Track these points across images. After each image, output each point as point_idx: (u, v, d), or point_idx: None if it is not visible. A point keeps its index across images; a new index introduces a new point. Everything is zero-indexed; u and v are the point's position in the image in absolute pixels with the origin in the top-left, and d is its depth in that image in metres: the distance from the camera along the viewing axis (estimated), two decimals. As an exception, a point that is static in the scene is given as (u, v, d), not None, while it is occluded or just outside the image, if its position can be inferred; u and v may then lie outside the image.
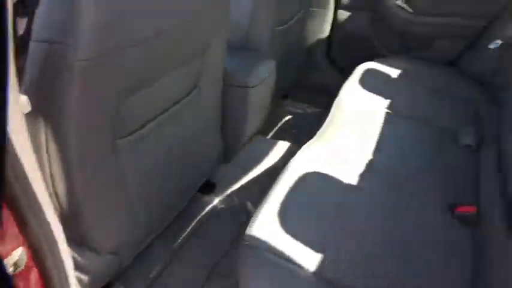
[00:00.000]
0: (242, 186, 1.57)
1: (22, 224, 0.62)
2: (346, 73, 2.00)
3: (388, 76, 1.71)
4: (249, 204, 1.51)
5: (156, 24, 0.84)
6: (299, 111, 2.20)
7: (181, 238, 1.36)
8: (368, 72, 1.71)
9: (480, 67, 1.74)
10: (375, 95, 1.54)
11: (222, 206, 1.51)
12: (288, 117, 2.14)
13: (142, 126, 0.96)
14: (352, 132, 1.32)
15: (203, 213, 1.48)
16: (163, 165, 1.10)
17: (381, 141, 1.28)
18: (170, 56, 0.94)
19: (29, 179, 0.56)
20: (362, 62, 1.80)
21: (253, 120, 1.45)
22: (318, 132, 1.31)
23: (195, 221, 1.44)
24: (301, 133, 1.95)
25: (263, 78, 1.36)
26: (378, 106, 1.48)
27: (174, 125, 1.07)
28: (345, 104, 1.48)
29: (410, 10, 1.88)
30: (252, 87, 1.31)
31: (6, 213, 0.62)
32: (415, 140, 1.33)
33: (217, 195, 1.53)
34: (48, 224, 0.63)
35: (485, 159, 1.28)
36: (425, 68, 1.83)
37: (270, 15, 1.46)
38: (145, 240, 1.11)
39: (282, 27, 1.64)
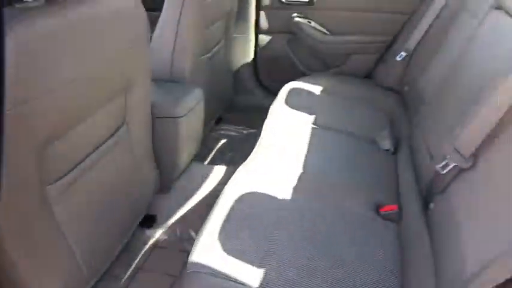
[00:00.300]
0: (182, 215, 1.58)
1: None
2: (273, 93, 2.11)
3: (311, 93, 1.83)
4: (192, 232, 1.52)
5: (74, 70, 0.86)
6: (233, 133, 2.26)
7: (127, 274, 1.34)
8: (292, 91, 1.82)
9: (391, 77, 1.91)
10: (300, 112, 1.64)
11: (165, 237, 1.51)
12: (223, 140, 2.19)
13: (72, 169, 0.95)
14: (282, 149, 1.39)
15: (146, 247, 1.46)
16: (99, 205, 1.09)
17: (309, 154, 1.36)
18: (92, 98, 0.95)
19: None
20: (287, 82, 1.91)
21: (187, 148, 1.47)
22: (251, 154, 1.37)
23: (140, 255, 1.42)
24: (237, 155, 2.01)
25: (191, 107, 1.40)
26: (304, 122, 1.58)
27: (105, 164, 1.08)
28: (273, 124, 1.56)
29: (325, 31, 2.04)
30: (181, 117, 1.35)
31: None
32: (339, 150, 1.44)
33: (158, 227, 1.53)
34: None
35: (401, 161, 1.42)
36: (343, 82, 1.98)
37: (193, 45, 1.52)
38: (90, 281, 1.09)
39: (206, 56, 1.71)
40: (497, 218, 0.79)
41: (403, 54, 1.83)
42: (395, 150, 1.49)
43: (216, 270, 0.90)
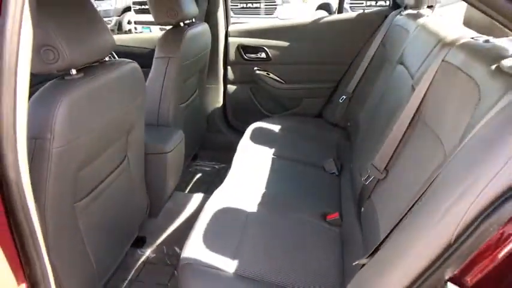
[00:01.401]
0: (168, 236, 1.88)
1: (25, 262, 0.87)
2: (240, 132, 2.48)
3: (271, 131, 2.22)
4: (177, 250, 1.82)
5: (98, 119, 1.20)
6: (207, 168, 2.60)
7: (124, 284, 1.61)
8: (256, 130, 2.19)
9: (336, 116, 2.34)
10: (263, 147, 2.01)
11: (154, 255, 1.79)
12: (199, 174, 2.53)
13: (92, 191, 1.27)
14: (248, 177, 1.74)
15: (138, 263, 1.74)
16: (107, 222, 1.39)
17: (270, 179, 1.72)
18: (108, 138, 1.29)
19: (34, 222, 0.83)
20: (251, 123, 2.29)
21: (172, 179, 1.80)
22: (224, 182, 1.71)
23: (133, 270, 1.70)
24: (212, 186, 2.34)
25: (175, 145, 1.75)
26: (266, 154, 1.95)
27: (113, 187, 1.39)
28: (241, 157, 1.91)
29: (281, 80, 2.47)
30: (169, 152, 1.69)
31: (12, 250, 0.85)
32: (294, 174, 1.80)
33: (148, 247, 1.81)
34: (44, 262, 0.89)
35: (343, 180, 1.80)
36: (298, 121, 2.38)
37: (174, 96, 1.89)
38: (100, 282, 1.37)
39: (184, 104, 2.08)
40: (402, 210, 1.16)
41: (344, 96, 2.27)
42: (340, 173, 1.87)
43: (203, 261, 1.21)
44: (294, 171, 1.83)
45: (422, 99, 1.25)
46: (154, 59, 1.84)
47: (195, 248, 1.26)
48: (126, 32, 9.21)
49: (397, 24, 1.97)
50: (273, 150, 1.99)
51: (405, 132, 1.30)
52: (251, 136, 2.11)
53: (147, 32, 6.80)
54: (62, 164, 1.06)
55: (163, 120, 1.87)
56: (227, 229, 1.37)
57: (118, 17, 9.40)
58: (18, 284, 0.86)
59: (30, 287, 0.88)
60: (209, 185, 2.38)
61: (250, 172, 1.78)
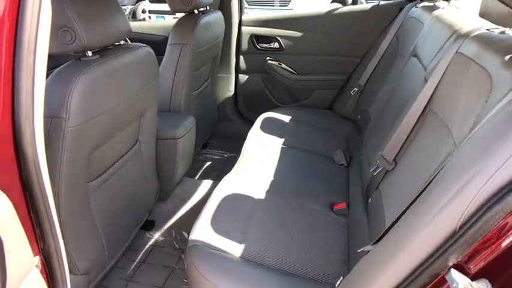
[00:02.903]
0: (177, 221, 1.91)
1: (40, 236, 0.89)
2: (251, 122, 2.49)
3: (282, 122, 2.22)
4: (185, 234, 1.85)
5: (114, 101, 1.22)
6: (217, 157, 2.62)
7: (132, 267, 1.65)
8: (266, 120, 2.20)
9: (347, 108, 2.34)
10: (273, 136, 2.02)
11: (162, 238, 1.83)
12: (209, 162, 2.55)
13: (104, 172, 1.30)
14: (257, 164, 1.75)
15: (147, 246, 1.78)
16: (117, 204, 1.42)
17: (279, 167, 1.73)
18: (122, 120, 1.31)
19: (49, 197, 0.86)
20: (262, 113, 2.30)
21: (182, 165, 1.82)
22: (233, 168, 1.73)
23: (141, 253, 1.73)
24: (221, 173, 2.37)
25: (187, 130, 1.77)
26: (276, 144, 1.96)
27: (125, 171, 1.42)
28: (250, 146, 1.93)
29: (293, 71, 2.47)
30: (179, 138, 1.71)
31: (29, 224, 0.87)
32: (303, 164, 1.81)
33: (157, 230, 1.84)
34: (57, 237, 0.92)
35: (352, 171, 1.80)
36: (309, 113, 2.38)
37: (187, 84, 1.90)
38: (110, 262, 1.40)
39: (196, 91, 2.10)
40: (409, 199, 1.16)
41: (356, 89, 2.26)
42: (348, 165, 1.88)
43: (209, 244, 1.23)
44: (303, 161, 1.84)
45: (434, 90, 1.24)
46: (168, 46, 1.86)
47: (202, 231, 1.28)
48: (140, 21, 9.25)
49: (412, 16, 1.95)
50: (282, 140, 1.99)
51: (415, 123, 1.30)
52: (261, 126, 2.13)
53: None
54: (76, 143, 1.09)
55: (175, 106, 1.89)
56: (235, 214, 1.39)
57: (132, 6, 9.45)
58: (33, 256, 0.89)
59: (43, 260, 0.91)
60: (218, 173, 2.41)
61: (259, 160, 1.79)
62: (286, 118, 2.25)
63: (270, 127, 2.12)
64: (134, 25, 2.65)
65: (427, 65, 1.39)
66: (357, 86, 2.26)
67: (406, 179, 1.26)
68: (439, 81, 1.23)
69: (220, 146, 2.69)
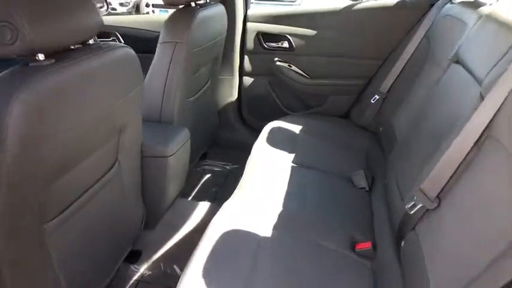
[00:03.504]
0: (167, 251, 1.63)
1: None
2: (256, 130, 2.21)
3: (291, 132, 1.93)
4: (176, 268, 1.57)
5: (76, 117, 0.94)
6: (217, 168, 2.33)
7: (111, 312, 1.37)
8: (274, 130, 1.92)
9: (366, 118, 2.04)
10: (281, 151, 1.74)
11: (149, 272, 1.55)
12: (208, 175, 2.27)
13: (67, 207, 1.01)
14: (263, 188, 1.47)
15: (131, 282, 1.50)
16: (89, 240, 1.14)
17: (289, 193, 1.45)
18: (93, 140, 1.03)
19: None
20: (269, 120, 2.02)
21: (174, 186, 1.54)
22: (235, 191, 1.45)
23: (125, 289, 1.46)
24: (221, 190, 2.08)
25: (179, 147, 1.48)
26: (284, 161, 1.67)
27: (98, 200, 1.14)
28: (255, 162, 1.64)
29: (304, 74, 2.18)
30: (170, 155, 1.42)
31: None
32: (317, 188, 1.52)
33: (143, 263, 1.57)
34: None
35: (376, 198, 1.51)
36: (322, 122, 2.09)
37: (181, 89, 1.62)
38: None
39: (193, 97, 1.81)
40: (461, 255, 0.88)
41: (377, 96, 1.96)
42: (370, 188, 1.59)
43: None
44: (317, 184, 1.55)
45: (497, 111, 0.95)
46: (158, 44, 1.57)
47: (196, 277, 1.00)
48: (135, 15, 8.95)
49: (448, 14, 1.65)
50: (292, 155, 1.71)
51: (468, 152, 1.01)
52: (268, 137, 1.84)
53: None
54: (20, 174, 0.81)
55: (167, 116, 1.60)
56: (235, 258, 1.11)
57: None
58: None
59: None
60: (219, 188, 2.12)
61: (265, 182, 1.51)
62: (297, 128, 1.96)
63: (278, 139, 1.84)
64: (126, 19, 2.37)
65: (481, 78, 1.09)
66: (378, 93, 1.96)
67: (454, 224, 0.97)
68: (504, 100, 0.94)
69: (221, 156, 2.40)
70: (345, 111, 2.23)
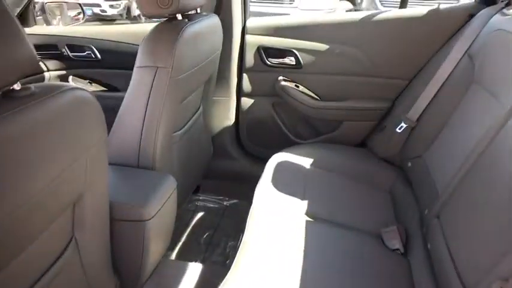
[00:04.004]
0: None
1: None
2: (257, 160, 1.88)
3: (302, 168, 1.61)
4: None
5: (13, 196, 0.62)
6: (212, 204, 2.00)
7: None
8: (280, 166, 1.59)
9: (389, 149, 1.71)
10: (291, 197, 1.41)
11: None
12: (201, 213, 1.93)
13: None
14: (270, 254, 1.14)
15: None
16: None
17: (304, 261, 1.12)
18: (34, 224, 0.70)
19: None
20: (272, 148, 1.71)
21: (155, 250, 1.20)
22: (234, 261, 1.11)
23: None
24: (217, 235, 1.74)
25: (161, 204, 1.14)
26: (296, 211, 1.34)
27: None
28: (260, 213, 1.31)
29: (315, 96, 1.84)
30: (149, 220, 1.08)
31: None
32: (340, 252, 1.19)
33: None
34: None
35: (417, 267, 1.18)
36: (336, 152, 1.76)
37: (164, 125, 1.27)
38: None
39: (181, 131, 1.46)
40: None
41: (404, 125, 1.63)
42: (406, 251, 1.26)
43: None
44: (339, 247, 1.22)
45: None
46: (135, 69, 1.22)
47: None
48: (135, 18, 8.55)
49: (500, 28, 1.32)
50: (305, 204, 1.38)
51: None
52: (274, 176, 1.52)
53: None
54: None
55: (147, 159, 1.26)
56: None
57: (127, 1, 8.72)
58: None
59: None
60: (213, 234, 1.78)
61: (271, 246, 1.18)
62: (307, 162, 1.64)
63: (286, 178, 1.52)
64: (103, 30, 2.02)
65: None
66: (405, 120, 1.63)
67: None
68: None
69: (216, 190, 2.07)
70: (361, 138, 1.90)
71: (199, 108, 1.67)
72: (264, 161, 1.65)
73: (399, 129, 1.64)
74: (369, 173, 1.66)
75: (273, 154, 1.68)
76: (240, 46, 1.83)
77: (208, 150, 1.90)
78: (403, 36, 1.70)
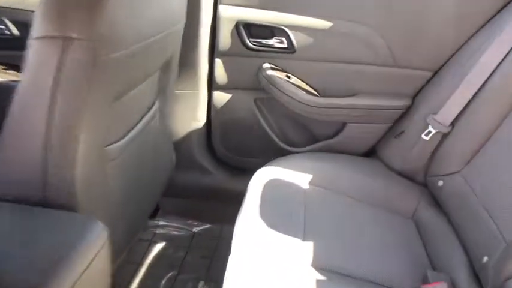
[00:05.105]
0: None
1: None
2: (235, 170, 1.46)
3: (298, 188, 1.18)
4: None
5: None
6: (176, 232, 1.53)
7: None
8: (268, 186, 1.15)
9: (409, 161, 1.30)
10: (284, 235, 0.97)
11: None
12: (161, 245, 1.46)
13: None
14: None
15: None
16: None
17: None
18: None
19: None
20: (254, 156, 1.39)
21: None
22: None
23: None
24: (182, 279, 1.28)
25: (77, 276, 0.66)
26: (293, 257, 0.91)
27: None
28: (244, 242, 0.89)
29: (312, 90, 1.40)
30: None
31: None
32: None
33: None
34: None
35: None
36: (341, 164, 1.33)
37: (88, 137, 0.79)
38: None
39: (121, 141, 0.98)
40: None
41: (432, 130, 1.21)
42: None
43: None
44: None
45: None
46: (30, 42, 0.73)
47: None
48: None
49: None
50: (305, 246, 0.95)
51: None
52: (262, 195, 1.12)
53: None
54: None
55: (58, 190, 0.77)
56: None
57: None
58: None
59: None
60: (178, 273, 1.32)
61: (257, 279, 0.75)
62: (304, 180, 1.22)
63: (275, 205, 1.10)
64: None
65: None
66: (434, 124, 1.21)
67: None
68: None
69: (182, 211, 1.60)
70: (371, 147, 1.47)
71: (153, 105, 1.19)
72: (243, 173, 1.26)
73: (426, 135, 1.23)
74: (385, 193, 1.25)
75: (256, 165, 1.26)
76: (212, 21, 1.36)
77: (169, 161, 1.42)
78: (431, 11, 1.27)
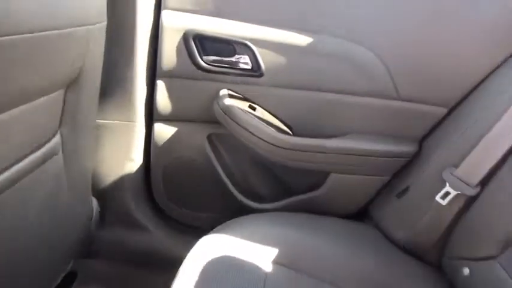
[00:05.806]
0: None
1: None
2: (184, 230, 1.10)
3: (248, 265, 0.80)
4: None
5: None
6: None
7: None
8: (213, 260, 0.78)
9: (417, 232, 0.93)
10: None
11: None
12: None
13: None
14: None
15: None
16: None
17: None
18: None
19: None
20: (209, 213, 1.08)
21: None
22: None
23: None
24: None
25: None
26: None
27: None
28: None
29: (283, 127, 1.04)
30: None
31: None
32: None
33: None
34: None
35: None
36: (320, 230, 0.97)
37: None
38: None
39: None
40: None
41: (452, 191, 0.86)
42: None
43: None
44: None
45: None
46: None
47: None
48: None
49: None
50: None
51: None
52: (200, 282, 0.72)
53: None
54: None
55: None
56: None
57: None
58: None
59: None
60: None
61: None
62: (265, 254, 0.84)
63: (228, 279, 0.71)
64: None
65: None
66: (452, 182, 0.86)
67: None
68: None
69: (109, 280, 1.20)
70: (361, 206, 1.11)
71: (52, 138, 0.81)
72: (191, 233, 0.95)
73: (442, 197, 0.87)
74: (380, 279, 0.87)
75: (210, 222, 0.95)
76: (153, 30, 1.02)
77: (85, 213, 1.04)
78: (448, 31, 0.95)
